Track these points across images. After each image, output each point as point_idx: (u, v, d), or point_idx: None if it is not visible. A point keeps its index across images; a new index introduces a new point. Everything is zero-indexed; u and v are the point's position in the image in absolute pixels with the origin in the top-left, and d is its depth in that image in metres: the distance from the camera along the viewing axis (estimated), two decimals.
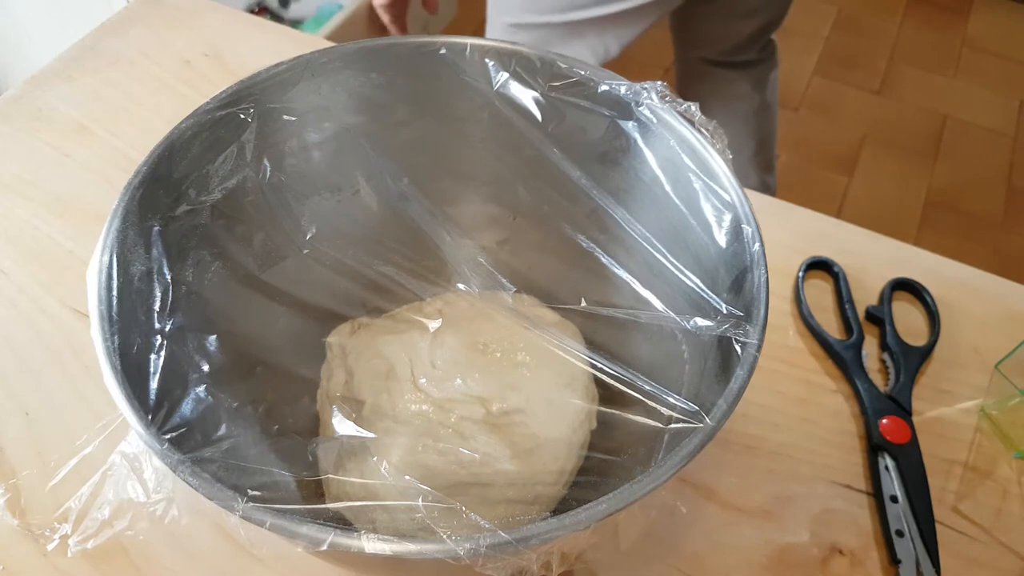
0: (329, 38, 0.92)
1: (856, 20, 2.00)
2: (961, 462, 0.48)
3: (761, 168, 1.16)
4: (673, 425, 0.35)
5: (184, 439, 0.32)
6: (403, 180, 0.44)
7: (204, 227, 0.40)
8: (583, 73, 0.42)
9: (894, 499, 0.45)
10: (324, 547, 0.27)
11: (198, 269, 0.40)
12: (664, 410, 0.37)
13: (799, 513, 0.45)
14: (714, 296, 0.38)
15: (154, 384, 0.34)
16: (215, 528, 0.42)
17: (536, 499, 0.40)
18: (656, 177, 0.42)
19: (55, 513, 0.42)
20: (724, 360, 0.35)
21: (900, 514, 0.45)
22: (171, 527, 0.32)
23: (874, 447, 0.47)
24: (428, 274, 0.44)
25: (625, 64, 0.73)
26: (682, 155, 0.40)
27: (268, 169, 0.42)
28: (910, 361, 0.51)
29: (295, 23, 1.44)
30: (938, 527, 0.45)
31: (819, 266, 0.56)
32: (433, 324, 0.44)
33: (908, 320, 0.54)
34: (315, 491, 0.41)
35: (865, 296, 0.55)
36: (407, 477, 0.38)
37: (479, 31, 0.75)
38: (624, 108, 0.42)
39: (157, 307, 0.36)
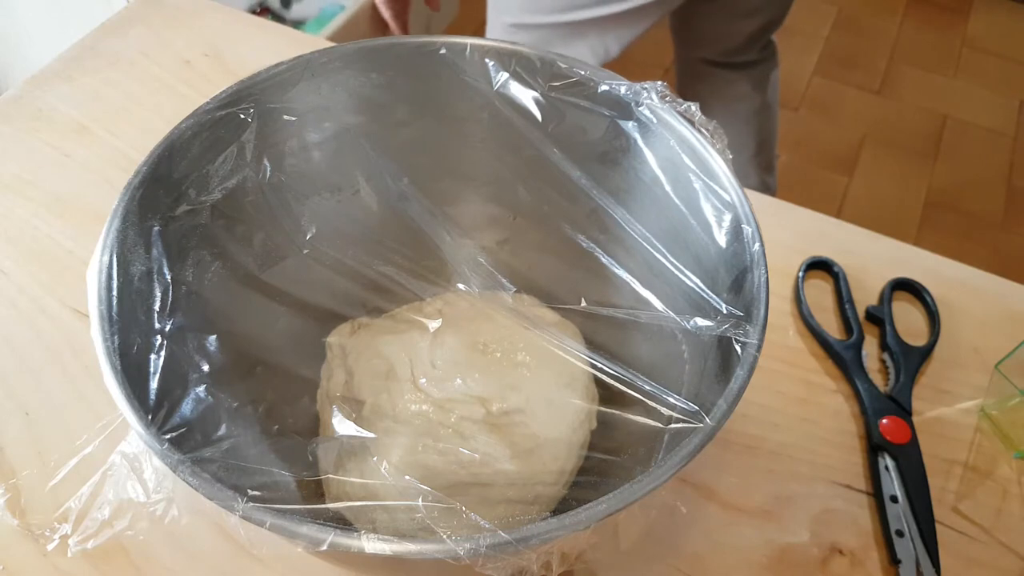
0: (331, 39, 0.93)
1: (856, 20, 2.00)
2: (961, 462, 0.48)
3: (761, 168, 1.16)
4: (673, 425, 0.35)
5: (184, 439, 0.32)
6: (403, 180, 0.44)
7: (204, 227, 0.40)
8: (583, 73, 0.42)
9: (894, 499, 0.45)
10: (324, 547, 0.27)
11: (198, 269, 0.40)
12: (664, 410, 0.37)
13: (799, 513, 0.45)
14: (714, 296, 0.38)
15: (154, 384, 0.34)
16: (215, 528, 0.42)
17: (536, 499, 0.40)
18: (656, 177, 0.42)
19: (55, 513, 0.42)
20: (724, 360, 0.35)
21: (900, 514, 0.45)
22: (171, 527, 0.32)
23: (874, 447, 0.47)
24: (428, 274, 0.44)
25: (625, 64, 0.73)
26: (682, 155, 0.40)
27: (268, 169, 0.42)
28: (910, 361, 0.51)
29: (297, 24, 1.44)
30: (938, 527, 0.45)
31: (819, 266, 0.56)
32: (433, 324, 0.44)
33: (908, 320, 0.54)
34: (315, 491, 0.41)
35: (865, 296, 0.55)
36: (407, 477, 0.38)
37: (479, 31, 0.75)
38: (624, 108, 0.42)
39: (157, 307, 0.36)
